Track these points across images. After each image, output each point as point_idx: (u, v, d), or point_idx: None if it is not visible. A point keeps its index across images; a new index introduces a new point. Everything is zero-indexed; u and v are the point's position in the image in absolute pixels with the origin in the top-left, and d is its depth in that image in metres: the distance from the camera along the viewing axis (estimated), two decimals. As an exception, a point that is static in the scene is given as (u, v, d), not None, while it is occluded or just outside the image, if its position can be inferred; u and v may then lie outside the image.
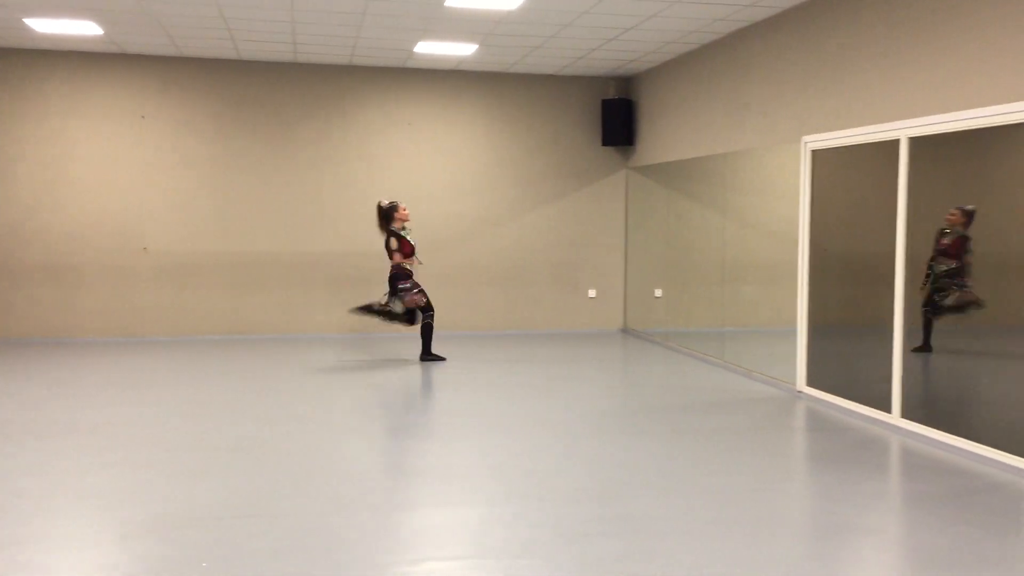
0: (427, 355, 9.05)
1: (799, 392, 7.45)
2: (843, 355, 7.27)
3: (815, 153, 7.23)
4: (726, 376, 8.39)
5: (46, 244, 10.00)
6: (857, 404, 6.69)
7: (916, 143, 6.04)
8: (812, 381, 7.32)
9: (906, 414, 6.16)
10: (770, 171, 8.23)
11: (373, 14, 7.98)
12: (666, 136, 10.14)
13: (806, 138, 7.29)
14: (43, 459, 5.36)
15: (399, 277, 8.83)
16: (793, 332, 7.54)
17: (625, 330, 11.46)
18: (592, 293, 11.44)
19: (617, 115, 11.00)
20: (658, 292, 10.54)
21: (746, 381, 8.14)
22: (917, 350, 6.23)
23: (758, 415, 6.80)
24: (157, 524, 4.23)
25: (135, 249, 10.20)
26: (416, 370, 8.57)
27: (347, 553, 3.90)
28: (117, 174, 10.13)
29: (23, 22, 8.42)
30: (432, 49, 9.50)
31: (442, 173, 10.97)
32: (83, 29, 8.68)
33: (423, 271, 10.88)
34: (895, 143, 6.19)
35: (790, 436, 6.34)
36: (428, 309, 8.96)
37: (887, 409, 6.33)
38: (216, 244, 10.40)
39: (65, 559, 3.83)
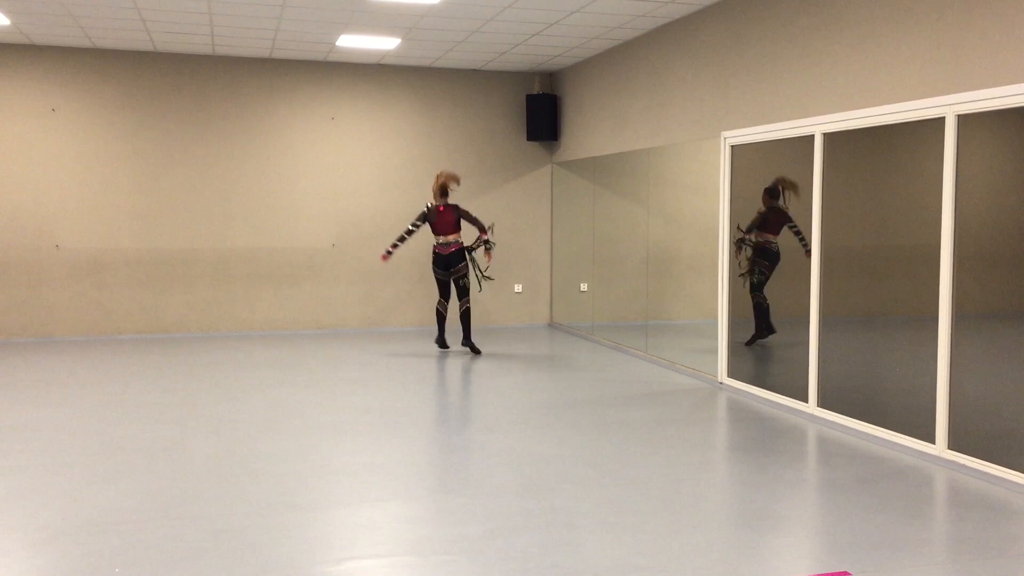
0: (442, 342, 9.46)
1: (721, 383, 7.58)
2: (762, 346, 7.43)
3: (734, 148, 7.36)
4: (651, 369, 8.49)
5: (-48, 242, 9.61)
6: (776, 394, 6.84)
7: (830, 139, 6.20)
8: (733, 372, 7.46)
9: (822, 403, 6.32)
10: (691, 166, 8.36)
11: (292, 6, 7.85)
12: (590, 131, 10.22)
13: (725, 134, 7.41)
14: (-52, 465, 5.15)
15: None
16: (715, 324, 7.67)
17: (552, 324, 11.52)
18: (518, 288, 11.47)
19: (542, 110, 11.04)
20: (584, 286, 10.62)
21: (670, 373, 8.25)
22: (750, 342, 6.58)
23: (681, 407, 6.90)
24: (69, 529, 4.10)
25: (47, 246, 9.87)
26: (341, 367, 8.48)
27: (268, 554, 3.84)
28: (27, 169, 9.79)
29: (-77, 10, 8.07)
30: (354, 43, 9.40)
31: (367, 168, 10.87)
32: (-12, 18, 8.36)
33: (344, 265, 10.80)
34: (810, 139, 6.34)
35: (711, 427, 6.45)
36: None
37: (804, 399, 6.48)
38: (132, 241, 10.12)
39: (-30, 569, 3.69)
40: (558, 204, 11.32)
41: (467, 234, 9.35)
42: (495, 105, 11.23)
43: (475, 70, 11.07)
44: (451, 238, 9.07)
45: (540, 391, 7.56)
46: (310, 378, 7.94)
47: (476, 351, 9.26)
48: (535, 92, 11.18)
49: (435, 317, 9.53)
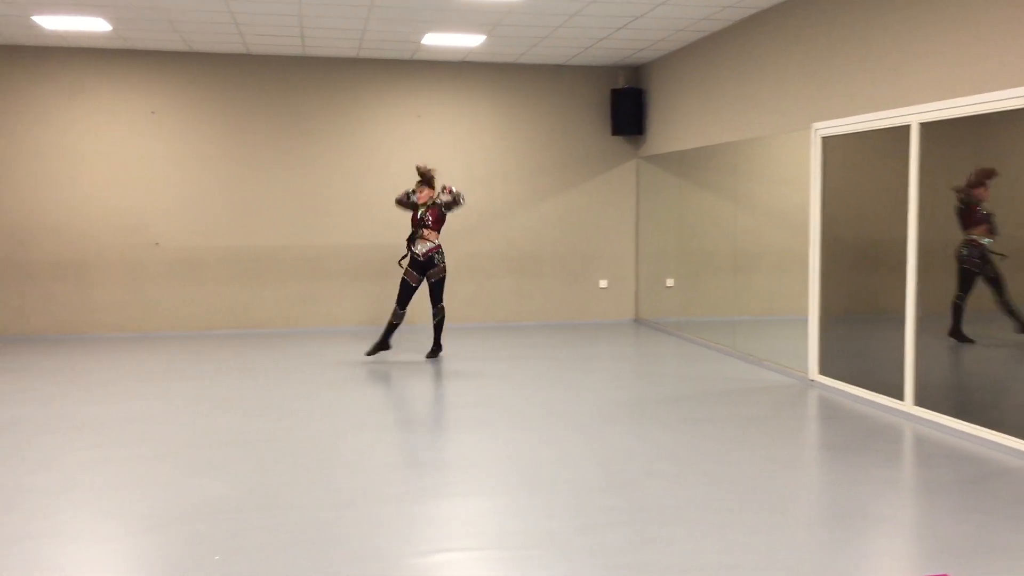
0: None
1: (811, 381, 7.42)
2: (855, 343, 7.24)
3: (825, 140, 7.19)
4: (738, 365, 8.37)
5: (58, 241, 10.05)
6: (870, 392, 6.66)
7: (927, 129, 6.00)
8: (824, 369, 7.29)
9: (919, 402, 6.13)
10: (780, 159, 8.19)
11: (380, 6, 7.97)
12: (676, 125, 10.10)
13: (816, 125, 7.25)
14: (58, 454, 5.39)
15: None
16: (805, 320, 7.51)
17: (637, 320, 11.45)
18: (603, 284, 11.42)
19: (627, 104, 10.97)
20: (670, 282, 10.52)
21: (758, 370, 8.11)
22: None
23: (770, 404, 6.78)
24: (170, 518, 4.26)
25: (147, 245, 10.24)
26: (428, 362, 8.58)
27: (359, 545, 3.92)
28: (128, 170, 10.17)
29: (32, 20, 8.44)
30: (440, 41, 9.49)
31: (451, 165, 10.96)
32: (91, 26, 8.70)
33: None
34: (906, 129, 6.15)
35: (802, 424, 6.32)
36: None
37: (900, 397, 6.30)
38: (227, 238, 10.43)
39: (80, 553, 3.86)
40: (643, 199, 11.23)
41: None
42: (579, 100, 11.20)
43: (559, 65, 11.05)
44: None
45: (626, 387, 7.52)
46: (396, 372, 8.05)
47: (436, 355, 8.75)
48: (620, 86, 11.10)
49: (387, 327, 8.62)
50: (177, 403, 6.81)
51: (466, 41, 9.52)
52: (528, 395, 7.08)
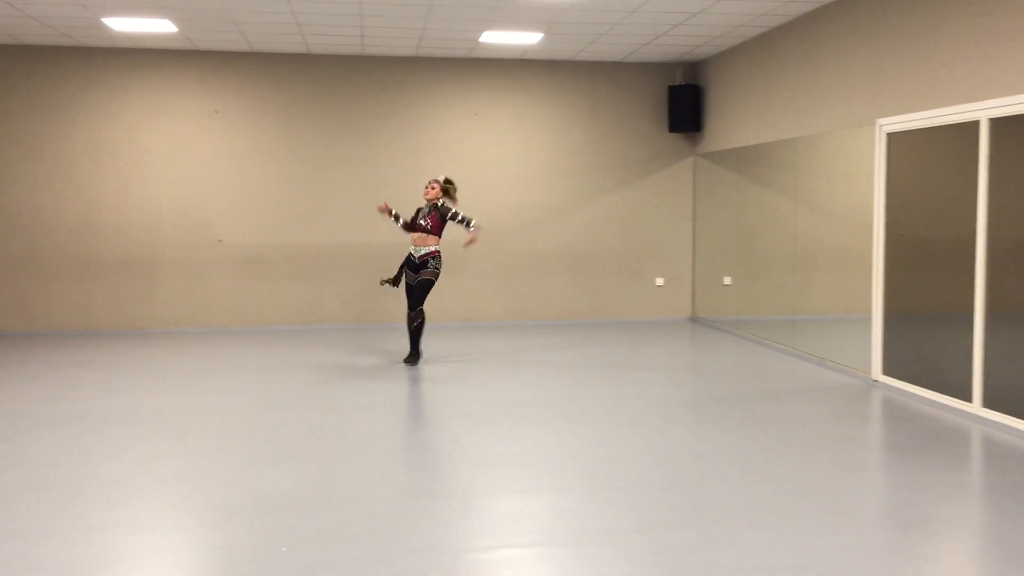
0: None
1: (874, 381, 7.30)
2: (920, 343, 7.10)
3: (890, 136, 7.06)
4: (798, 364, 8.26)
5: (124, 239, 10.29)
6: (935, 393, 6.53)
7: (997, 124, 5.86)
8: (888, 370, 7.16)
9: (987, 403, 6.00)
10: (842, 156, 8.05)
11: (440, 5, 8.01)
12: (735, 121, 10.00)
13: (881, 121, 7.12)
14: (127, 446, 5.53)
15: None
16: (867, 319, 7.38)
17: (693, 318, 11.36)
18: (660, 281, 11.36)
19: (684, 101, 10.88)
20: (727, 280, 10.42)
21: (819, 369, 8.00)
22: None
23: (832, 404, 6.68)
24: (238, 508, 4.34)
25: (210, 242, 10.44)
26: (484, 358, 8.62)
27: (421, 539, 3.95)
28: (191, 169, 10.38)
29: (101, 21, 8.66)
30: (498, 39, 9.51)
31: (508, 163, 10.99)
32: (158, 27, 8.90)
33: (487, 258, 10.98)
34: (975, 124, 6.01)
35: (866, 425, 6.21)
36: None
37: (967, 398, 6.17)
38: (287, 235, 10.58)
39: (152, 543, 3.96)
40: (700, 196, 11.14)
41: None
42: (636, 97, 11.15)
43: (616, 62, 11.01)
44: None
45: (684, 386, 7.47)
46: (452, 369, 8.10)
47: (415, 362, 8.40)
48: (677, 83, 11.02)
49: (411, 332, 8.34)
50: (239, 397, 6.94)
51: (524, 39, 9.53)
52: (584, 393, 7.07)
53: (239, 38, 9.51)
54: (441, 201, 8.25)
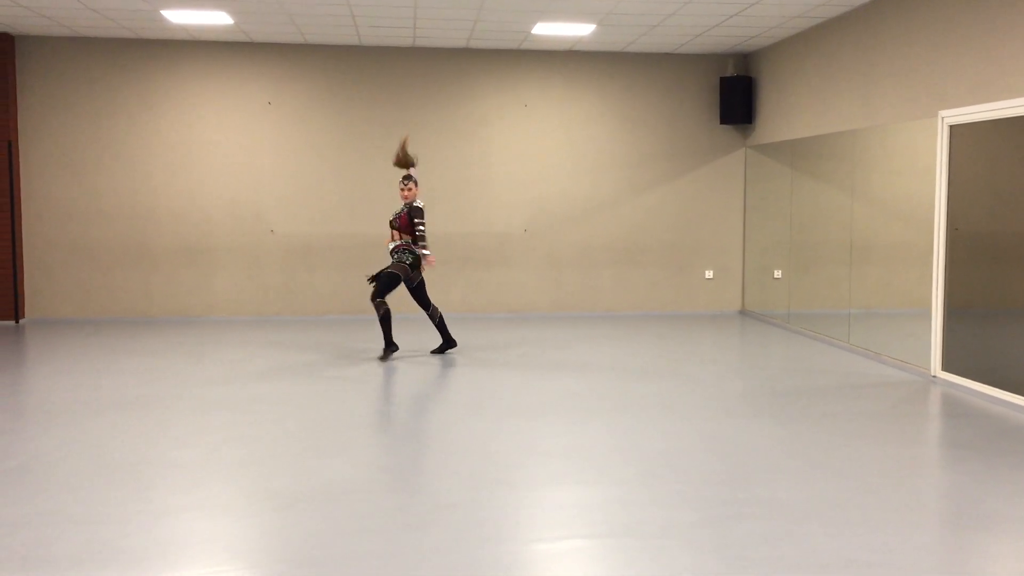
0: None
1: (933, 377, 7.21)
2: (982, 338, 6.99)
3: (953, 128, 6.95)
4: (853, 359, 8.18)
5: (180, 228, 10.46)
6: (998, 390, 6.43)
7: (1068, 117, 5.75)
8: (948, 365, 7.07)
9: (1053, 401, 5.90)
10: (901, 148, 7.95)
11: (494, -3, 8.03)
12: (788, 113, 9.90)
13: (943, 113, 7.01)
14: (193, 432, 5.63)
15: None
16: (925, 314, 7.29)
17: (743, 312, 11.28)
18: (709, 274, 11.30)
19: (736, 93, 10.79)
20: (778, 273, 10.33)
21: (876, 365, 7.92)
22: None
23: (891, 400, 6.61)
24: (304, 495, 4.41)
25: (263, 232, 10.56)
26: (533, 351, 8.64)
27: (489, 529, 3.99)
28: (245, 159, 10.51)
29: (160, 14, 8.79)
30: (549, 30, 9.50)
31: (558, 154, 10.98)
32: (215, 19, 9.01)
33: (536, 250, 11.00)
34: (1044, 117, 5.90)
35: (927, 422, 6.14)
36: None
37: (1032, 395, 6.07)
38: (338, 226, 10.68)
39: (222, 527, 4.03)
40: (751, 188, 11.05)
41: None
42: (687, 88, 11.08)
43: (667, 54, 10.95)
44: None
45: (738, 379, 7.43)
46: (506, 360, 8.13)
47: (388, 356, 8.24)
48: (729, 74, 10.93)
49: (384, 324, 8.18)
50: (298, 386, 7.03)
51: (575, 30, 9.51)
52: (638, 385, 7.06)
53: (293, 30, 9.59)
54: (416, 202, 8.11)
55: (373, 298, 8.07)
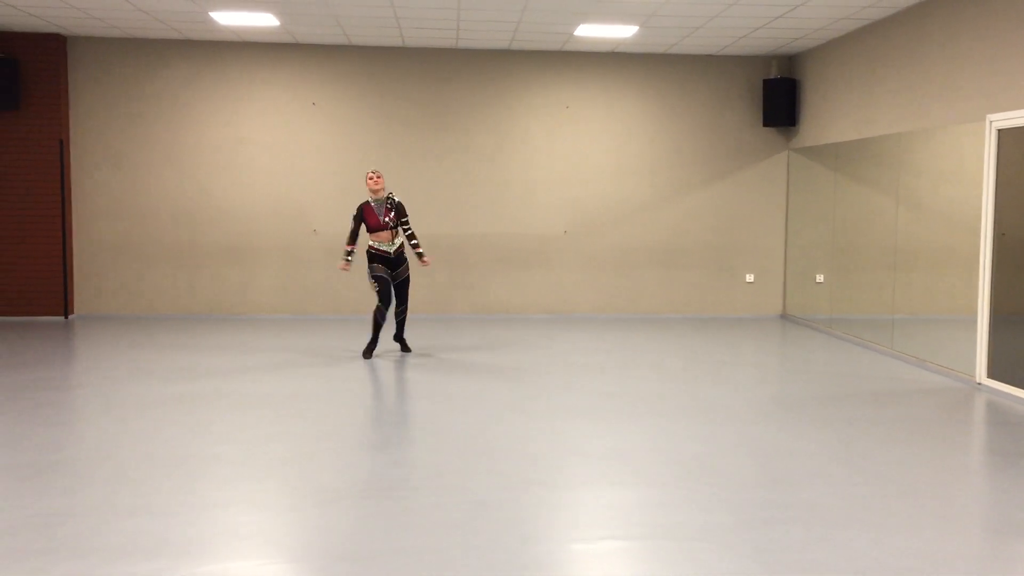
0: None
1: (978, 384, 7.10)
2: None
3: (1001, 132, 6.85)
4: (896, 365, 8.08)
5: (224, 226, 10.62)
6: (1045, 398, 6.33)
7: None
8: (994, 373, 6.96)
9: (1102, 410, 5.79)
10: (947, 152, 7.84)
11: (537, -1, 8.06)
12: (832, 116, 9.81)
13: (991, 116, 6.91)
14: (238, 428, 5.73)
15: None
16: (970, 320, 7.19)
17: (784, 316, 11.20)
18: (750, 278, 11.22)
19: (779, 95, 10.71)
20: (820, 277, 10.24)
21: (919, 371, 7.82)
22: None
23: (934, 406, 6.53)
24: (346, 492, 4.47)
25: (305, 231, 10.69)
26: (574, 352, 8.65)
27: (528, 528, 4.01)
28: (289, 159, 10.64)
29: (208, 15, 8.93)
30: (592, 32, 9.51)
31: (599, 156, 10.98)
32: (262, 21, 9.14)
33: (577, 252, 11.00)
34: (1096, 121, 5.80)
35: (971, 429, 6.06)
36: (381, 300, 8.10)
37: (1080, 404, 5.96)
38: (380, 226, 10.76)
39: (264, 521, 4.10)
40: (794, 192, 10.96)
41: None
42: (730, 91, 11.02)
43: (710, 56, 10.90)
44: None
45: (778, 384, 7.39)
46: (545, 362, 8.15)
47: (407, 348, 8.52)
48: (773, 76, 10.86)
49: (373, 324, 8.17)
50: (339, 383, 7.11)
51: (618, 32, 9.50)
52: (678, 388, 7.05)
53: (338, 31, 9.70)
54: (388, 193, 8.15)
55: (402, 303, 8.24)
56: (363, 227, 8.15)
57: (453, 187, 10.81)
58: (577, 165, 10.93)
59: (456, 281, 10.91)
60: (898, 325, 8.57)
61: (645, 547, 3.83)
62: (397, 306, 8.34)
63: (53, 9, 8.77)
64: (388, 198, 8.12)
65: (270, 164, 10.63)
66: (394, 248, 8.14)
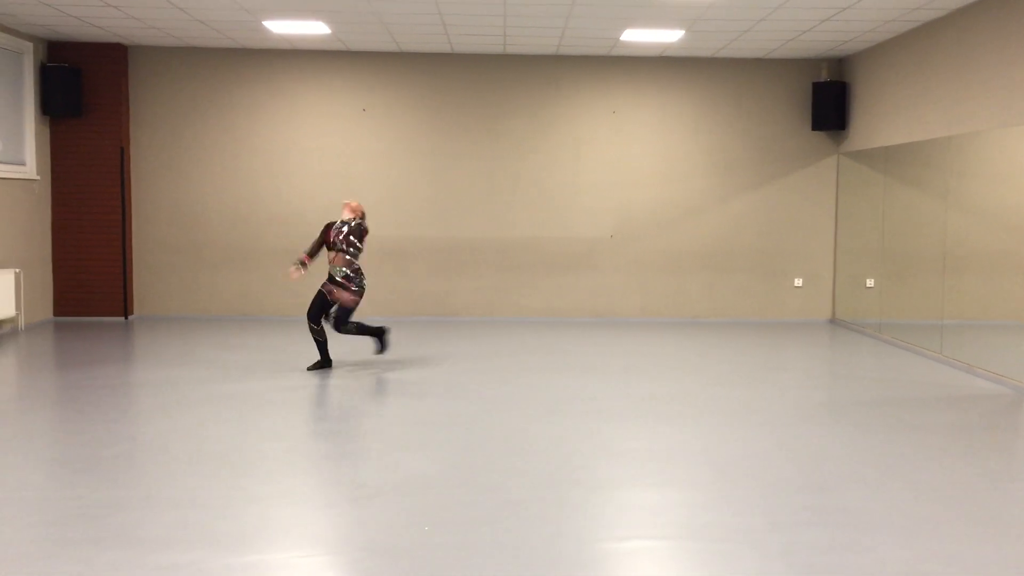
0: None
1: (1028, 391, 6.99)
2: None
3: (1052, 135, 6.73)
4: (945, 371, 7.97)
5: (276, 230, 10.86)
6: (1096, 406, 6.21)
7: None
8: (1044, 379, 6.84)
9: None
10: (999, 155, 7.72)
11: (582, 3, 8.12)
12: (882, 120, 9.70)
13: (1042, 119, 6.80)
14: (284, 426, 5.89)
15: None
16: (1022, 327, 7.06)
17: (833, 320, 11.08)
18: (799, 282, 11.13)
19: (829, 98, 10.62)
20: (870, 282, 10.12)
21: (968, 377, 7.71)
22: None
23: (981, 413, 6.44)
24: (384, 488, 4.58)
25: (356, 234, 10.87)
26: (617, 355, 8.68)
27: (557, 526, 4.08)
28: (340, 164, 10.85)
29: (262, 24, 9.17)
30: (638, 36, 9.54)
31: (647, 160, 11.00)
32: (313, 29, 9.35)
33: (623, 255, 11.02)
34: None
35: (1017, 436, 5.97)
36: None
37: None
38: (428, 230, 10.93)
39: (305, 515, 4.24)
40: (844, 196, 10.85)
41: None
42: (778, 94, 10.95)
43: (758, 59, 10.85)
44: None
45: (823, 388, 7.34)
46: (588, 364, 8.20)
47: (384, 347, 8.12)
48: (822, 79, 10.76)
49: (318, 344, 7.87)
50: (382, 383, 7.25)
51: (665, 36, 9.52)
52: (721, 391, 7.05)
53: (387, 39, 9.88)
54: (358, 220, 7.83)
55: (337, 326, 7.68)
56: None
57: (500, 191, 10.92)
58: (624, 169, 10.96)
59: (502, 284, 11.01)
60: (948, 331, 8.44)
61: (671, 548, 3.88)
62: (335, 327, 7.75)
63: (114, 20, 9.09)
64: (350, 221, 7.78)
65: (322, 169, 10.85)
66: (339, 273, 7.79)
